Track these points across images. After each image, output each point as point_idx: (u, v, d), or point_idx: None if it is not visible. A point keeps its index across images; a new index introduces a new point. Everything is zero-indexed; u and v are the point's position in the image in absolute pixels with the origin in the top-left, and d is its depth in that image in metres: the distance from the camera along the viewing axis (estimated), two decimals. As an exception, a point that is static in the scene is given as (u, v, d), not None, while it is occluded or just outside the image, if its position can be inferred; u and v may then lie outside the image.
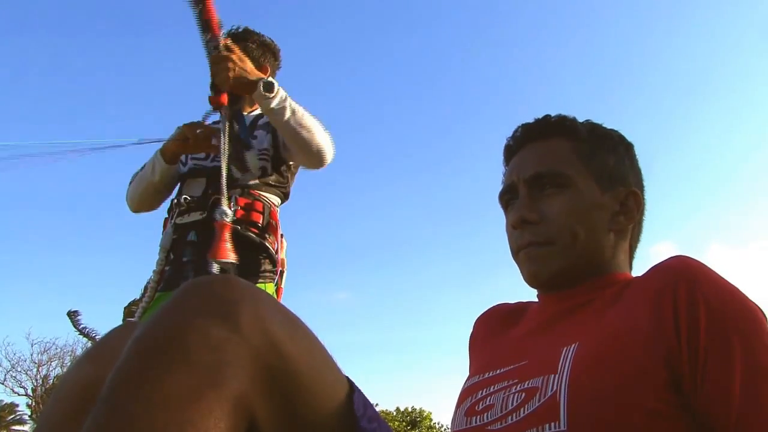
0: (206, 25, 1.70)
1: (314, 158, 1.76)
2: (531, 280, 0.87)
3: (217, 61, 1.66)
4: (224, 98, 1.71)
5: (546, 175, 0.86)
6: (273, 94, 1.67)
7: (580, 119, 0.93)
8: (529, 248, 0.85)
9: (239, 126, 1.76)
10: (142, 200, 1.92)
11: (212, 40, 1.69)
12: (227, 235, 1.54)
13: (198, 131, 1.78)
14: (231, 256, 1.51)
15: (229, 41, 1.70)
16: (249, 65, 1.71)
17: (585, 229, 0.83)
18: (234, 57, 1.66)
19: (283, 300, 1.64)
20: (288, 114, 1.69)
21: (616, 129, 0.94)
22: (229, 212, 1.58)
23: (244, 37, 1.97)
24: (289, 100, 1.72)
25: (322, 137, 1.76)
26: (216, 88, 1.72)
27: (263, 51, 2.00)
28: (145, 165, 1.92)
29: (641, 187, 0.92)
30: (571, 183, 0.85)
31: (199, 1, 1.68)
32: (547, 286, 0.87)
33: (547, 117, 0.91)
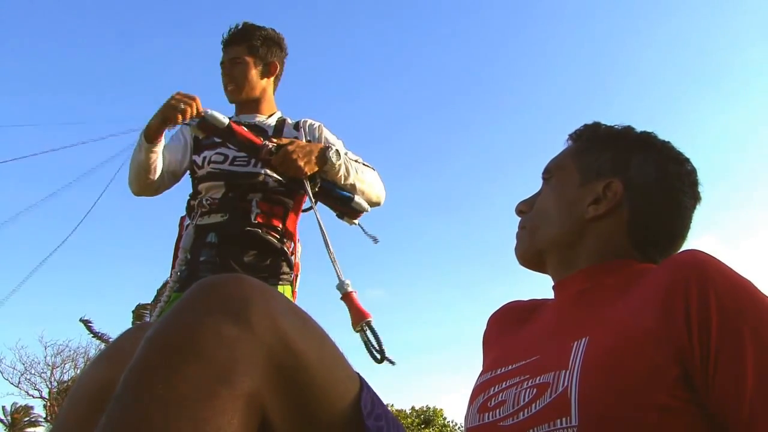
0: (250, 145, 1.72)
1: (372, 205, 1.88)
2: (516, 258, 0.99)
3: (282, 161, 1.68)
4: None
5: (545, 170, 0.98)
6: (339, 161, 1.74)
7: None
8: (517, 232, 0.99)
9: (329, 187, 1.78)
10: (137, 182, 1.86)
11: (262, 150, 1.71)
12: (357, 300, 1.55)
13: (181, 104, 1.65)
14: (369, 313, 1.51)
15: (275, 141, 1.72)
16: (308, 145, 1.74)
17: (555, 216, 0.92)
18: (291, 148, 1.68)
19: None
20: (352, 175, 1.79)
21: (629, 126, 0.95)
22: (349, 283, 1.58)
23: (246, 37, 1.94)
24: (345, 159, 1.79)
25: (378, 187, 1.90)
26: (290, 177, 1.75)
27: (268, 47, 1.98)
28: None
29: (646, 179, 0.88)
30: (552, 177, 0.96)
31: (231, 136, 1.71)
32: (526, 265, 0.98)
33: (586, 125, 0.98)
